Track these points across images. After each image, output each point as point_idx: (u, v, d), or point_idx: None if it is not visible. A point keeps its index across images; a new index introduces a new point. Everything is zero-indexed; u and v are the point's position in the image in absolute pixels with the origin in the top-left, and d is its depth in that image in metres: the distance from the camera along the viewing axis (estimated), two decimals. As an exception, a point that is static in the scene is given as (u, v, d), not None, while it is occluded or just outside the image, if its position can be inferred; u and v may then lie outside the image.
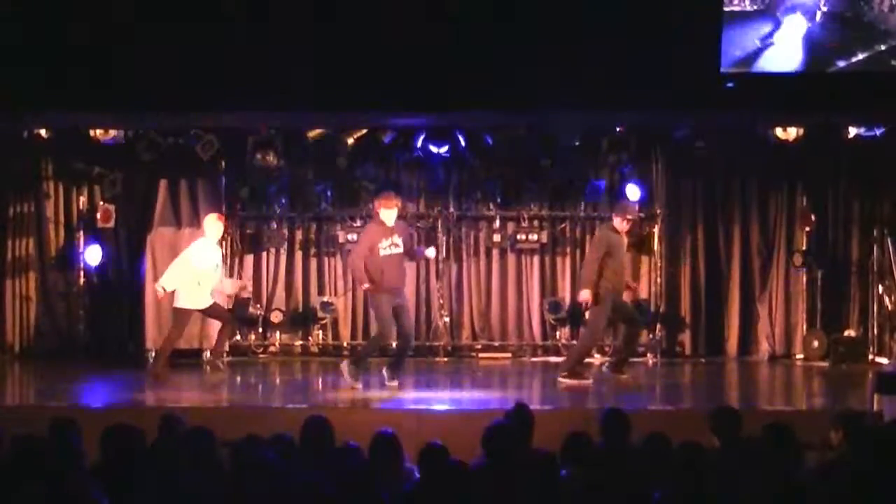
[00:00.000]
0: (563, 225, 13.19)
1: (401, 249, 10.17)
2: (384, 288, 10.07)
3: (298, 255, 13.20)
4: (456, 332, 13.14)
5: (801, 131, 11.95)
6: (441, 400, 9.94)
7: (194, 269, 10.75)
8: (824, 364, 12.44)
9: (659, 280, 13.00)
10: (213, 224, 11.04)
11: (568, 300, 13.04)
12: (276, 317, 12.94)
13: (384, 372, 10.27)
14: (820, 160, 12.81)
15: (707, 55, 9.40)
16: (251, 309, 12.94)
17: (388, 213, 10.19)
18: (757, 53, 9.45)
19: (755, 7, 9.36)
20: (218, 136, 12.10)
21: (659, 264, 13.00)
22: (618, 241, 10.63)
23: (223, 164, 12.70)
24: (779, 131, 12.01)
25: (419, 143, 12.61)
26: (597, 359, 12.73)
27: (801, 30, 9.40)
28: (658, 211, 12.98)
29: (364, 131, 12.21)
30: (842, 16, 9.34)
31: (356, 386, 10.02)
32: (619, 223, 10.64)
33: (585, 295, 10.46)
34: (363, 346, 11.62)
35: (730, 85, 9.48)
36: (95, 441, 5.55)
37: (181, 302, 10.84)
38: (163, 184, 12.61)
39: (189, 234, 12.50)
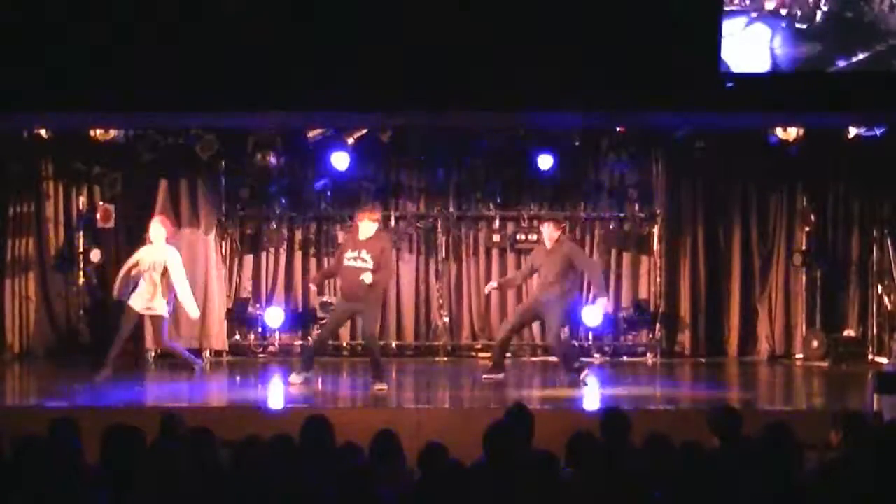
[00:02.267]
0: (562, 225, 13.16)
1: (367, 265, 9.96)
2: (342, 294, 10.45)
3: (298, 255, 13.20)
4: (456, 332, 13.14)
5: (801, 131, 11.95)
6: (441, 400, 9.94)
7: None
8: (824, 364, 12.44)
9: (659, 280, 13.00)
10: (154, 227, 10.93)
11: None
12: (275, 317, 12.93)
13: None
14: (820, 160, 12.81)
15: (707, 55, 9.38)
16: (250, 308, 12.95)
17: (362, 225, 10.18)
18: (757, 53, 9.43)
19: (755, 6, 9.35)
20: (218, 136, 12.11)
21: (659, 264, 13.00)
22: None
23: (223, 164, 12.73)
24: (779, 131, 12.01)
25: (420, 143, 12.61)
26: (596, 358, 12.75)
27: (800, 29, 9.39)
28: (658, 211, 12.97)
29: (364, 131, 12.21)
30: (842, 16, 9.32)
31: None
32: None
33: None
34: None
35: (730, 85, 9.46)
36: (95, 441, 5.55)
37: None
38: (163, 184, 12.62)
39: (189, 233, 12.53)
